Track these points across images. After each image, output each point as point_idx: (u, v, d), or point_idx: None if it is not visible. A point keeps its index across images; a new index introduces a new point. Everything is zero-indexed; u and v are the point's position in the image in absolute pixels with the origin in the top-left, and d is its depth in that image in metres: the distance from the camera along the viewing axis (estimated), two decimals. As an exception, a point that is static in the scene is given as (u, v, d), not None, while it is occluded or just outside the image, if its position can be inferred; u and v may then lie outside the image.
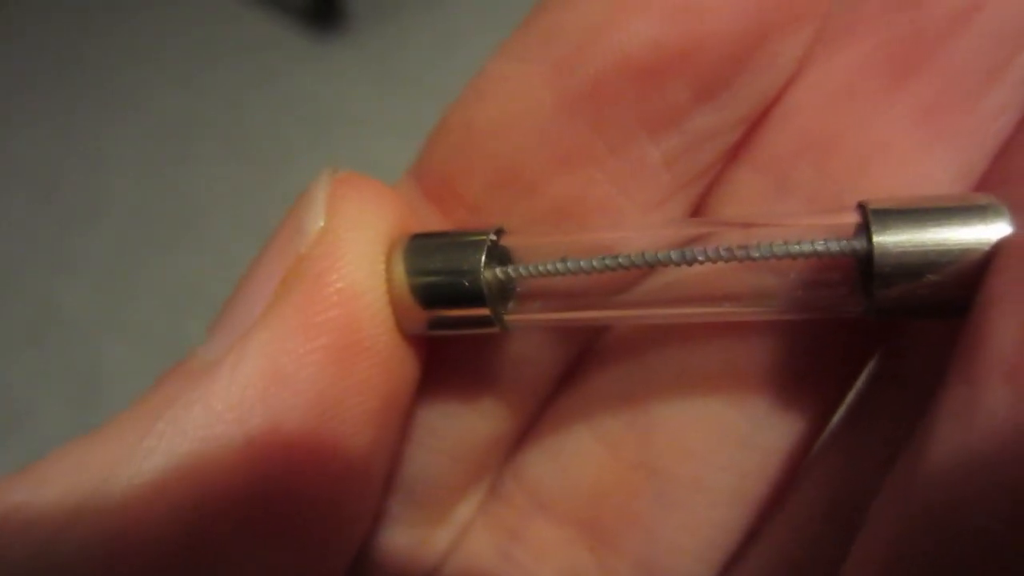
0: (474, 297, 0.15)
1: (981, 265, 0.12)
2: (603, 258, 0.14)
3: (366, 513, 0.17)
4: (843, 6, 0.15)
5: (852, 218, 0.14)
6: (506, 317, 0.15)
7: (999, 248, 0.12)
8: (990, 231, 0.13)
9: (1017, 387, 0.11)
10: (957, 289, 0.13)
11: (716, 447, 0.16)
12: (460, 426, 0.18)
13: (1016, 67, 0.14)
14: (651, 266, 0.14)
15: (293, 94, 0.93)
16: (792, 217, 0.14)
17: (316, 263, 0.15)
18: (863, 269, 0.14)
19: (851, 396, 0.17)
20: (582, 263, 0.14)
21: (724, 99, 0.15)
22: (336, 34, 1.01)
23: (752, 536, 0.17)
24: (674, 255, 0.14)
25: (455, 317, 0.15)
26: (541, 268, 0.14)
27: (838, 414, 0.17)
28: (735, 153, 0.16)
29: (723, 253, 0.14)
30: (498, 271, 0.15)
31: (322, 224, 0.15)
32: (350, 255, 0.15)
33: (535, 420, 0.18)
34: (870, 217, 0.13)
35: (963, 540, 0.11)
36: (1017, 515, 0.11)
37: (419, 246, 0.15)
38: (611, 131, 0.15)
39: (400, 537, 0.19)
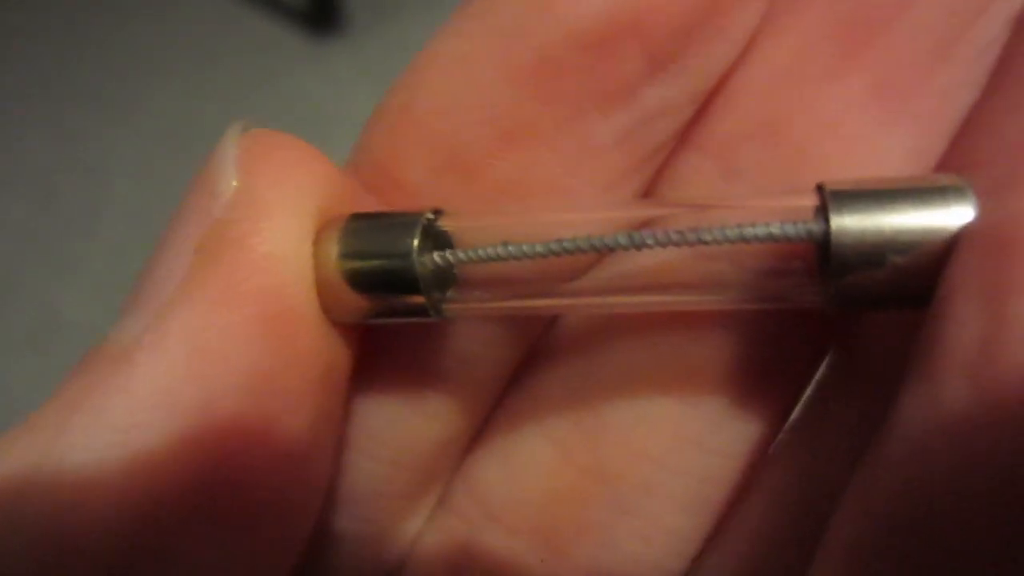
0: (407, 283, 0.14)
1: (944, 251, 0.12)
2: (547, 243, 0.13)
3: (313, 499, 0.15)
4: None
5: (810, 200, 0.13)
6: (444, 306, 0.14)
7: (961, 235, 0.12)
8: (954, 215, 0.12)
9: (978, 384, 0.10)
10: (919, 276, 0.12)
11: (670, 450, 0.16)
12: (403, 431, 0.17)
13: (969, 43, 0.14)
14: (598, 251, 0.13)
15: (292, 96, 0.93)
16: (748, 199, 0.14)
17: (235, 227, 0.13)
18: (821, 254, 0.13)
19: (808, 393, 0.16)
20: (525, 248, 0.13)
21: (676, 72, 0.14)
22: (334, 36, 1.01)
23: (711, 542, 0.16)
24: (622, 239, 0.13)
25: (388, 305, 0.14)
26: (481, 253, 0.13)
27: (795, 412, 0.16)
28: (683, 136, 0.15)
29: (674, 237, 0.13)
30: (435, 256, 0.14)
31: (236, 184, 0.14)
32: (273, 216, 0.14)
33: (485, 423, 0.17)
34: (828, 199, 0.12)
35: (924, 541, 0.11)
36: (976, 516, 0.10)
37: (348, 228, 0.14)
38: (558, 106, 0.14)
39: (347, 555, 0.18)
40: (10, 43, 1.06)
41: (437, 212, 0.14)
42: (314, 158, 0.15)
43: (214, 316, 0.13)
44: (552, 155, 0.15)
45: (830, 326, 0.16)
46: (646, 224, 0.14)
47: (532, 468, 0.17)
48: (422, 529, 0.18)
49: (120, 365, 0.13)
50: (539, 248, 0.13)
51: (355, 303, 0.14)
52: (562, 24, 0.14)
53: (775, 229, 0.13)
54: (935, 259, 0.12)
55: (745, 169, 0.15)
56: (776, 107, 0.14)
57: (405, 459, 0.17)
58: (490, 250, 0.13)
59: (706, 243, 0.13)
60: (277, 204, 0.14)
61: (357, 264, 0.14)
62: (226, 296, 0.13)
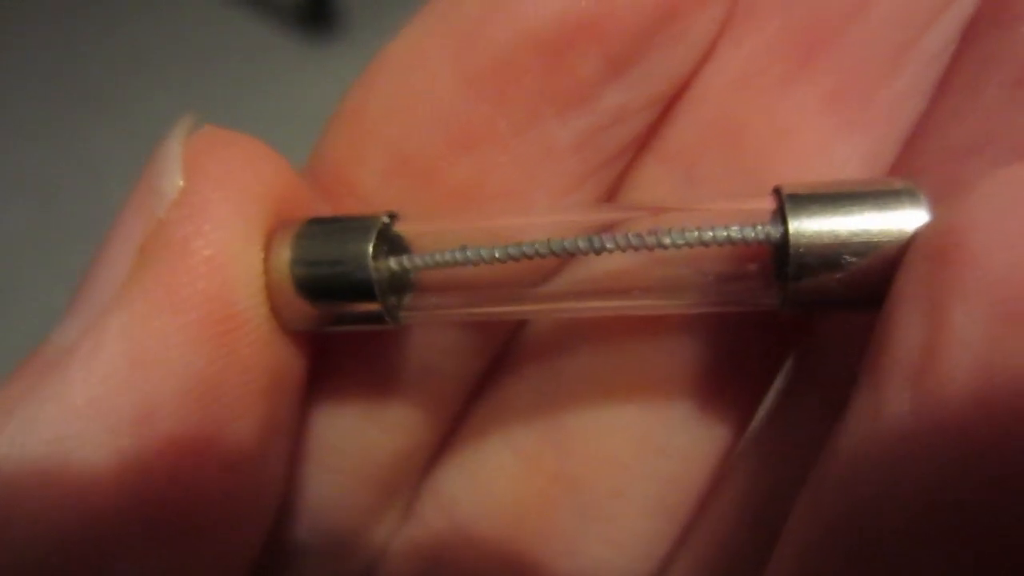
0: (362, 289, 0.13)
1: (898, 254, 0.12)
2: (505, 247, 0.13)
3: (263, 509, 0.15)
4: None
5: (768, 204, 0.13)
6: (401, 313, 0.14)
7: (911, 242, 0.12)
8: (908, 218, 0.12)
9: (921, 391, 0.10)
10: (874, 279, 0.12)
11: (634, 456, 0.16)
12: (364, 444, 0.16)
13: (919, 51, 0.14)
14: (557, 255, 0.13)
15: (288, 97, 0.92)
16: (707, 202, 0.14)
17: (178, 228, 0.13)
18: (778, 257, 0.13)
19: (770, 397, 0.16)
20: (483, 252, 0.13)
21: (635, 76, 0.14)
22: (330, 37, 1.01)
23: (678, 544, 0.16)
24: (581, 243, 0.13)
25: (342, 312, 0.14)
26: (438, 258, 0.13)
27: (758, 416, 0.17)
28: (644, 143, 0.15)
29: (633, 241, 0.13)
30: (391, 261, 0.13)
31: (181, 184, 0.13)
32: (217, 217, 0.13)
33: (449, 434, 0.17)
34: (785, 202, 0.13)
35: (867, 548, 0.11)
36: (918, 526, 0.10)
37: (299, 232, 0.14)
38: (515, 110, 0.14)
39: (313, 566, 0.17)
40: (7, 45, 1.06)
41: (392, 216, 0.14)
42: (264, 157, 0.14)
43: (153, 321, 0.13)
44: (508, 160, 0.14)
45: (790, 332, 0.16)
46: (606, 228, 0.13)
47: (499, 478, 0.17)
48: (390, 539, 0.18)
49: (55, 372, 0.13)
50: (497, 253, 0.13)
51: (307, 310, 0.14)
52: (518, 26, 0.13)
53: (734, 232, 0.13)
54: (890, 262, 0.12)
55: (705, 176, 0.15)
56: (735, 115, 0.14)
57: (367, 471, 0.17)
58: (447, 255, 0.13)
59: (665, 247, 0.13)
60: (222, 205, 0.13)
61: (309, 270, 0.14)
62: (167, 301, 0.13)
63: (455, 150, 0.14)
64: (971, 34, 0.14)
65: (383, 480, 0.17)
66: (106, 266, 0.14)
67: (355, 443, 0.16)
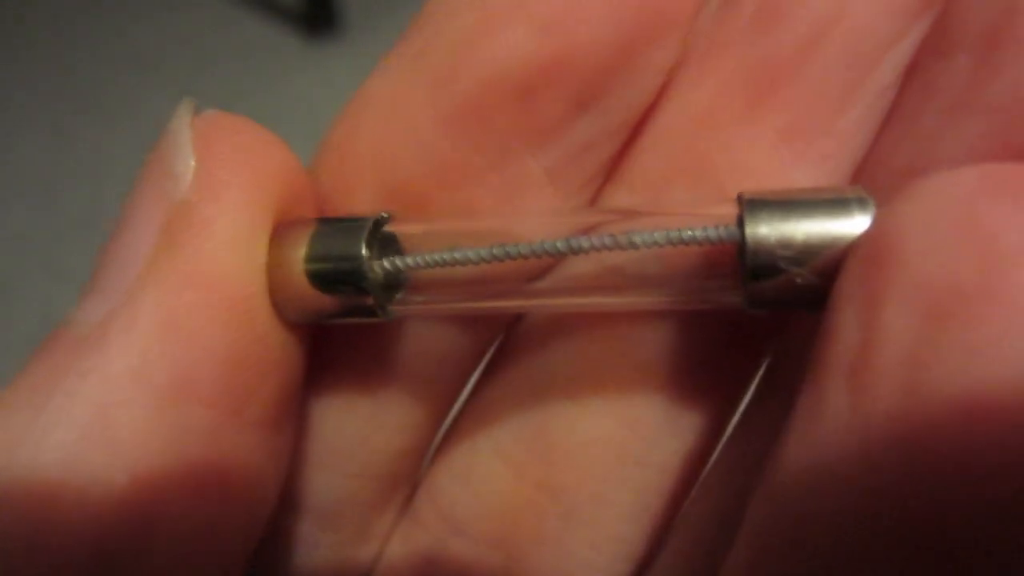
0: (359, 285, 0.15)
1: (845, 257, 0.13)
2: (491, 248, 0.14)
3: (279, 469, 0.16)
4: (704, 31, 0.15)
5: (734, 208, 0.14)
6: (393, 307, 0.15)
7: (851, 246, 0.13)
8: (855, 224, 0.13)
9: (856, 389, 0.11)
10: (825, 280, 0.13)
11: (613, 466, 0.17)
12: (360, 443, 0.18)
13: (869, 86, 0.15)
14: (538, 255, 0.14)
15: (289, 98, 0.92)
16: (679, 206, 0.15)
17: (201, 208, 0.14)
18: (740, 258, 0.14)
19: (744, 404, 0.18)
20: (470, 253, 0.14)
21: (600, 109, 0.15)
22: (331, 38, 1.00)
23: (657, 546, 0.18)
24: (560, 244, 0.14)
25: (340, 306, 0.15)
26: (428, 258, 0.14)
27: (733, 422, 0.18)
28: (613, 175, 0.16)
29: (607, 242, 0.14)
30: (385, 261, 0.15)
31: (194, 164, 0.14)
32: (237, 200, 0.14)
33: (444, 437, 0.19)
34: (744, 206, 0.14)
35: (811, 549, 0.11)
36: (858, 524, 0.11)
37: (306, 230, 0.15)
38: (490, 147, 0.15)
39: (323, 560, 0.19)
40: (8, 45, 1.06)
41: (386, 216, 0.15)
42: (271, 142, 0.15)
43: (184, 296, 0.13)
44: (487, 193, 0.15)
45: (761, 341, 0.17)
46: (587, 231, 0.15)
47: (489, 484, 0.18)
48: (389, 537, 0.19)
49: (92, 346, 0.13)
50: (484, 253, 0.14)
51: (311, 303, 0.15)
52: (489, 69, 0.14)
53: (698, 233, 0.14)
54: (838, 264, 0.13)
55: (671, 203, 0.16)
56: (697, 149, 0.15)
57: (365, 471, 0.18)
58: (437, 255, 0.14)
59: (636, 247, 0.14)
60: (239, 188, 0.14)
61: (315, 266, 0.15)
62: (195, 277, 0.14)
63: (437, 186, 0.15)
64: (914, 65, 0.15)
65: (380, 477, 0.18)
66: (126, 247, 0.14)
67: (351, 443, 0.18)
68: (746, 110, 0.15)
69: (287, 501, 0.18)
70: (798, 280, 0.13)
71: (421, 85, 0.15)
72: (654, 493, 0.17)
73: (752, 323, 0.16)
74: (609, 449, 0.17)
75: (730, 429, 0.18)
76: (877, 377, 0.10)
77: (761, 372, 0.17)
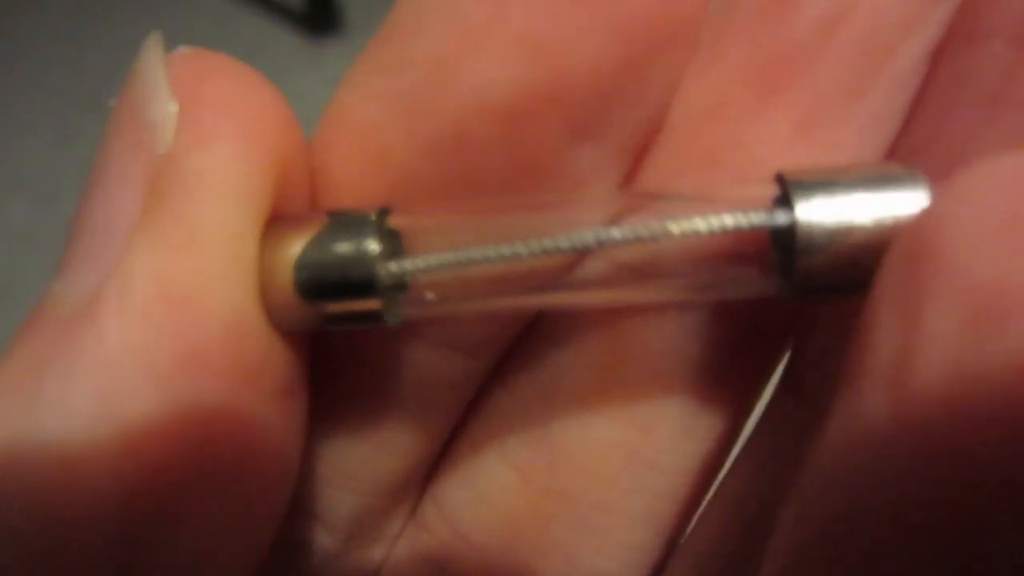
0: (363, 288, 0.13)
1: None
2: (512, 245, 0.13)
3: (297, 442, 0.15)
4: (711, 21, 0.14)
5: (770, 190, 0.13)
6: (399, 309, 0.14)
7: (896, 238, 0.12)
8: (908, 201, 0.12)
9: (897, 395, 0.10)
10: (877, 264, 0.12)
11: (622, 471, 0.16)
12: (370, 467, 0.17)
13: (888, 74, 0.14)
14: (563, 252, 0.13)
15: (289, 97, 0.92)
16: (710, 191, 0.14)
17: (190, 160, 0.12)
18: (783, 244, 0.13)
19: (761, 406, 0.17)
20: (490, 251, 0.13)
21: (601, 134, 0.13)
22: (332, 37, 1.00)
23: (672, 552, 0.17)
24: (589, 237, 0.13)
25: (340, 312, 0.13)
26: (442, 259, 0.13)
27: (749, 425, 0.17)
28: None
29: (640, 232, 0.13)
30: (393, 264, 0.13)
31: (174, 110, 0.12)
32: (229, 146, 0.12)
33: (449, 445, 0.18)
34: (790, 188, 0.13)
35: (850, 553, 0.11)
36: (897, 528, 0.10)
37: (293, 228, 0.13)
38: (483, 182, 0.13)
39: (331, 565, 0.18)
40: (9, 44, 1.06)
41: (386, 210, 0.13)
42: (257, 81, 0.13)
43: (181, 259, 0.12)
44: None
45: (778, 339, 0.16)
46: (610, 221, 0.13)
47: (495, 490, 0.17)
48: (397, 543, 0.18)
49: (83, 323, 0.12)
50: (504, 251, 0.13)
51: (301, 312, 0.13)
52: (472, 97, 0.12)
53: (742, 219, 0.13)
54: (889, 246, 0.12)
55: None
56: (706, 145, 0.14)
57: (371, 488, 0.17)
58: (451, 255, 0.13)
59: (672, 236, 0.13)
60: (228, 134, 0.12)
61: (304, 270, 0.13)
62: (192, 237, 0.12)
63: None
64: (943, 53, 0.14)
65: (390, 492, 0.17)
66: (106, 210, 0.13)
67: (359, 465, 0.17)
68: (758, 102, 0.14)
69: (297, 509, 0.17)
70: (847, 266, 0.12)
71: (398, 109, 0.13)
72: (667, 498, 0.16)
73: (768, 320, 0.16)
74: (619, 454, 0.16)
75: (747, 430, 0.17)
76: (920, 384, 0.10)
77: (779, 371, 0.17)
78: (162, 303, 0.12)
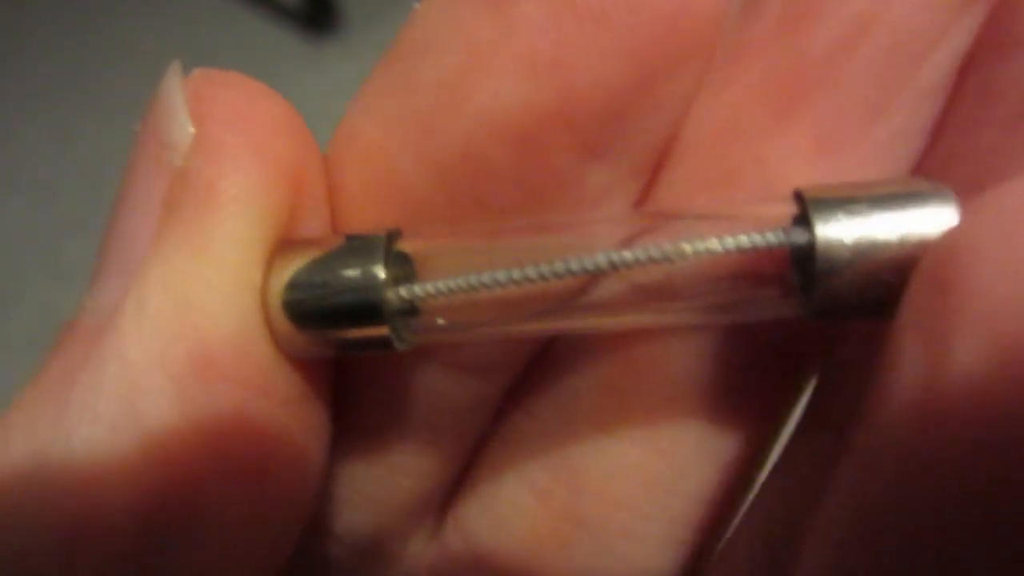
0: (371, 315, 0.13)
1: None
2: (523, 269, 0.12)
3: (320, 442, 0.15)
4: (726, 35, 0.14)
5: (789, 209, 0.13)
6: (409, 335, 0.13)
7: (922, 258, 0.11)
8: (934, 219, 0.12)
9: (922, 428, 0.10)
10: (903, 284, 0.11)
11: (643, 496, 0.16)
12: (388, 490, 0.16)
13: (913, 89, 0.13)
14: (576, 275, 0.12)
15: (288, 96, 0.92)
16: (726, 208, 0.13)
17: (200, 173, 0.13)
18: (801, 264, 0.12)
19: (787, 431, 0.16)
20: (499, 275, 0.12)
21: (613, 154, 0.13)
22: (331, 36, 1.01)
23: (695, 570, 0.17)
24: (601, 260, 0.12)
25: (348, 338, 0.13)
26: (451, 284, 0.13)
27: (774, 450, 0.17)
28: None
29: (654, 253, 0.12)
30: (402, 290, 0.13)
31: (192, 131, 0.13)
32: (238, 158, 0.13)
33: (467, 468, 0.17)
34: (810, 206, 0.12)
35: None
36: (920, 560, 0.10)
37: (300, 254, 0.13)
38: (493, 205, 0.13)
39: None
40: (9, 44, 1.06)
41: (396, 233, 0.13)
42: (267, 96, 0.14)
43: (192, 267, 0.12)
44: None
45: (801, 361, 0.16)
46: (621, 244, 0.13)
47: (515, 514, 0.17)
48: (417, 564, 0.18)
49: (106, 333, 0.13)
50: (515, 275, 0.12)
51: (307, 339, 0.13)
52: (480, 117, 0.12)
53: (758, 239, 0.12)
54: (915, 266, 0.11)
55: None
56: (723, 163, 0.14)
57: (397, 512, 0.17)
58: (461, 280, 0.13)
59: (686, 257, 0.12)
60: (239, 146, 0.13)
61: (309, 296, 0.13)
62: (202, 245, 0.13)
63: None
64: (969, 66, 0.13)
65: (409, 514, 0.17)
66: (129, 226, 0.13)
67: (377, 488, 0.17)
68: (777, 118, 0.13)
69: (314, 528, 0.17)
70: (872, 284, 0.12)
71: (407, 132, 0.13)
72: (688, 524, 0.16)
73: (791, 341, 0.15)
74: (639, 478, 0.16)
75: (771, 456, 0.17)
76: (945, 414, 0.09)
77: (802, 401, 0.16)
78: (175, 310, 0.12)
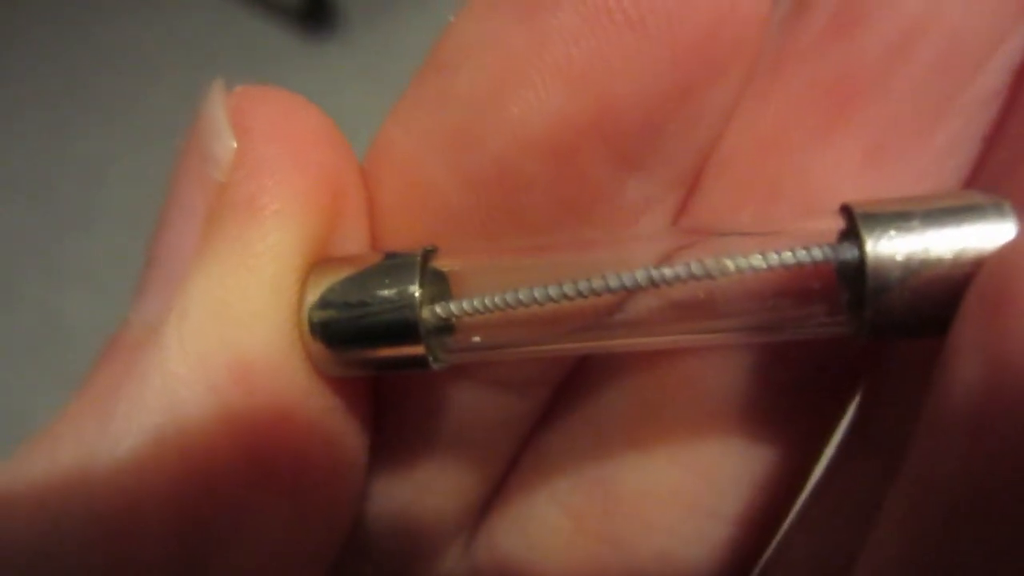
0: (406, 334, 0.13)
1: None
2: (561, 286, 0.12)
3: (361, 454, 0.15)
4: (770, 42, 0.13)
5: (837, 223, 0.12)
6: (444, 354, 0.13)
7: (977, 274, 0.11)
8: (993, 237, 0.11)
9: (978, 450, 0.10)
10: (957, 302, 0.11)
11: (681, 520, 0.15)
12: (417, 508, 0.16)
13: (967, 98, 0.13)
14: (614, 292, 0.12)
15: (286, 95, 0.93)
16: (772, 224, 0.13)
17: (241, 188, 0.13)
18: (849, 281, 0.12)
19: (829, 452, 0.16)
20: (536, 293, 0.12)
21: (651, 166, 0.13)
22: (329, 35, 1.01)
23: None
24: (640, 276, 0.12)
25: (383, 357, 0.13)
26: (487, 302, 0.12)
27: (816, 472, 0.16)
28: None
29: (695, 270, 0.12)
30: (438, 308, 0.12)
31: (235, 145, 0.13)
32: (278, 172, 0.13)
33: (500, 485, 0.17)
34: (859, 221, 0.12)
35: None
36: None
37: (335, 272, 0.13)
38: (529, 218, 0.13)
39: None
40: (7, 44, 1.06)
41: (431, 251, 0.13)
42: (306, 109, 0.14)
43: (233, 279, 0.13)
44: None
45: (846, 378, 0.15)
46: (661, 260, 0.13)
47: (547, 534, 0.16)
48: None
49: (149, 345, 0.13)
50: (552, 292, 0.12)
51: (343, 357, 0.13)
52: (515, 130, 0.12)
53: (803, 255, 0.12)
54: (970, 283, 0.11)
55: None
56: (766, 174, 0.13)
57: (425, 531, 0.17)
58: (498, 298, 0.12)
59: (729, 274, 0.12)
60: (279, 160, 0.13)
61: (346, 315, 0.13)
62: (242, 259, 0.13)
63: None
64: None
65: (434, 532, 0.17)
66: (172, 241, 0.14)
67: (406, 505, 0.16)
68: (824, 128, 0.13)
69: (349, 545, 0.16)
70: (924, 302, 0.11)
71: (442, 145, 0.13)
72: (728, 548, 0.15)
73: (835, 358, 0.15)
74: (677, 500, 0.15)
75: (813, 477, 0.16)
76: (999, 438, 0.09)
77: (846, 423, 0.16)
78: (215, 320, 0.13)
